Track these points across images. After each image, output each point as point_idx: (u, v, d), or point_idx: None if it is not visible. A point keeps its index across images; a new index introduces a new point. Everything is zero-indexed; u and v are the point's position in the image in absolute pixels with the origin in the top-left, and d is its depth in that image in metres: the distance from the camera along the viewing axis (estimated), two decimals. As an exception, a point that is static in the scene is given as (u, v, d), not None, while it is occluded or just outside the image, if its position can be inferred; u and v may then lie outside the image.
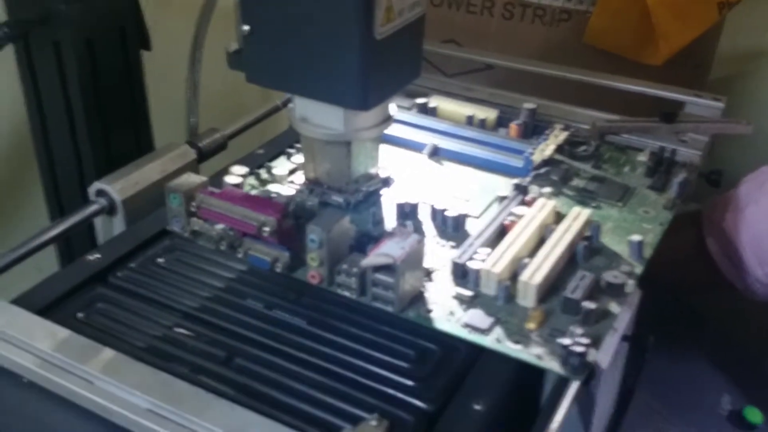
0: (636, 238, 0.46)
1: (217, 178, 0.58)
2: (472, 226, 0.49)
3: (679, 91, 0.66)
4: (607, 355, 0.40)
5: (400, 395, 0.41)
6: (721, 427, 0.57)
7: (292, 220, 0.45)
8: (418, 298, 0.43)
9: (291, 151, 0.58)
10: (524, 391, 0.45)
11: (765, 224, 0.57)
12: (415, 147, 0.58)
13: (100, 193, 0.55)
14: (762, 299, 0.60)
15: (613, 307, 0.42)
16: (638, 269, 0.45)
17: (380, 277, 0.41)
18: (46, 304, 0.48)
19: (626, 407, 0.53)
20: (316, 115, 0.49)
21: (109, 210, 0.56)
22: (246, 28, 0.47)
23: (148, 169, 0.57)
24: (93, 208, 0.55)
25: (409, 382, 0.41)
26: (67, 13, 0.59)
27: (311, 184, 0.52)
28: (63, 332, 0.43)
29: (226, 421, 0.37)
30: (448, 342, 0.42)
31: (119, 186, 0.55)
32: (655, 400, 0.55)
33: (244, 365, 0.43)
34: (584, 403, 0.41)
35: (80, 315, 0.48)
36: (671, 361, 0.59)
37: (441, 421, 0.39)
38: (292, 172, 0.55)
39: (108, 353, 0.42)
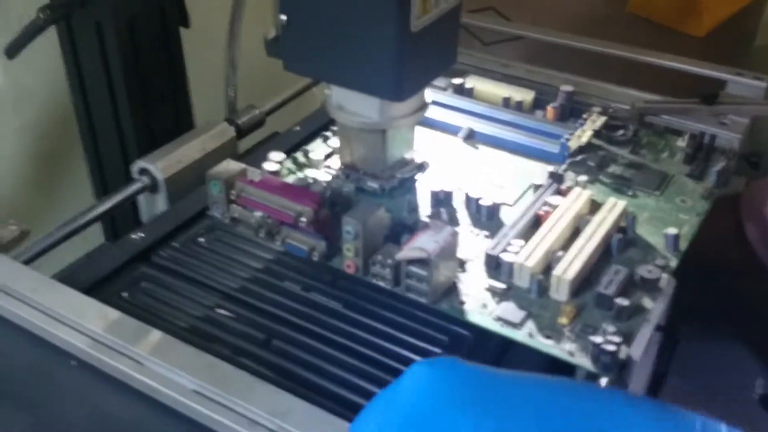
0: (672, 231, 0.46)
1: (254, 156, 0.59)
2: (506, 215, 0.49)
3: (721, 69, 0.64)
4: (639, 347, 0.40)
5: (433, 381, 0.42)
6: (753, 411, 0.57)
7: (328, 209, 0.46)
8: (451, 290, 0.43)
9: (327, 134, 0.58)
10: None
11: None
12: (450, 130, 0.58)
13: (143, 171, 0.57)
14: None
15: (647, 302, 0.42)
16: (673, 262, 0.45)
17: (414, 269, 0.42)
18: (92, 282, 0.50)
19: (657, 392, 0.54)
20: (352, 104, 0.50)
21: (152, 188, 0.57)
22: (283, 17, 0.47)
23: (189, 147, 0.58)
24: (136, 186, 0.56)
25: (442, 369, 0.42)
26: (107, -5, 0.59)
27: (347, 169, 0.53)
28: (112, 312, 0.44)
29: (270, 404, 0.38)
30: (482, 329, 0.43)
31: (161, 165, 0.56)
32: (687, 384, 0.56)
33: (282, 347, 0.45)
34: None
35: (125, 294, 0.49)
36: (704, 345, 0.59)
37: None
38: (328, 156, 0.55)
39: (155, 334, 0.43)
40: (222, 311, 0.48)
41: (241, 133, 0.63)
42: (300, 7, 0.47)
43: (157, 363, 0.41)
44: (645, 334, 0.41)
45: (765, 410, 0.57)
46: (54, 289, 0.46)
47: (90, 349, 0.42)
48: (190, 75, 0.68)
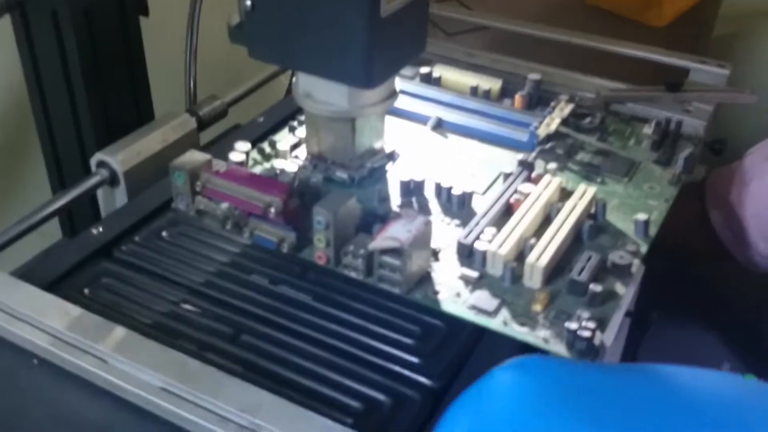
0: (642, 217, 0.46)
1: (216, 148, 0.58)
2: (477, 204, 0.49)
3: (684, 57, 0.65)
4: (611, 333, 0.41)
5: (406, 372, 0.41)
6: None
7: (297, 200, 0.45)
8: (424, 279, 0.43)
9: (294, 124, 0.57)
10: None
11: (767, 197, 0.57)
12: (418, 119, 0.58)
13: (102, 164, 0.55)
14: (763, 271, 0.61)
15: (619, 287, 0.42)
16: (644, 248, 0.45)
17: (387, 259, 0.41)
18: (52, 279, 0.48)
19: None
20: (320, 92, 0.49)
21: (111, 181, 0.55)
22: (248, 2, 0.46)
23: (149, 139, 0.57)
24: (95, 179, 0.55)
25: (415, 359, 0.42)
26: (63, -18, 0.57)
27: (315, 159, 0.52)
28: (73, 309, 0.43)
29: (240, 400, 0.37)
30: (454, 319, 0.42)
31: (121, 157, 0.55)
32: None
33: (251, 342, 0.44)
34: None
35: (86, 290, 0.48)
36: (671, 330, 0.60)
37: (447, 399, 0.39)
38: (295, 146, 0.54)
39: (120, 331, 0.42)
40: (187, 306, 0.47)
41: (203, 124, 0.62)
42: (266, -8, 0.46)
43: (122, 361, 0.40)
44: (616, 321, 0.41)
45: None
46: (13, 286, 0.45)
47: (52, 347, 0.41)
48: (149, 65, 0.67)
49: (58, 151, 0.66)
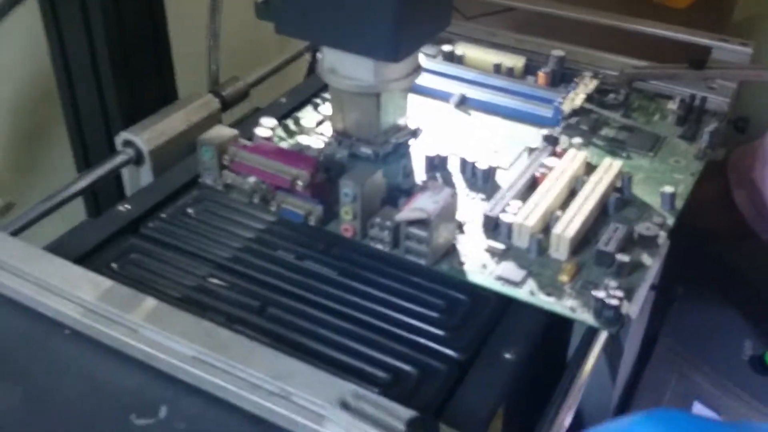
0: (668, 189, 0.46)
1: (241, 127, 0.58)
2: (501, 178, 0.49)
3: (707, 35, 0.65)
4: (636, 305, 0.41)
5: (431, 344, 0.42)
6: (742, 372, 0.58)
7: (324, 174, 0.45)
8: (450, 251, 0.43)
9: (318, 101, 0.58)
10: (553, 341, 0.46)
11: None
12: (442, 96, 0.58)
13: (127, 143, 0.56)
14: None
15: (646, 258, 0.42)
16: (670, 220, 0.45)
17: (414, 231, 0.41)
18: (80, 254, 0.49)
19: (650, 353, 0.54)
20: (346, 67, 0.49)
21: (137, 160, 0.56)
22: (275, -21, 0.47)
23: (173, 118, 0.57)
24: (120, 158, 0.55)
25: (440, 332, 0.42)
26: (90, -35, 0.58)
27: (339, 136, 0.52)
28: (104, 281, 0.43)
29: (271, 367, 0.38)
30: (478, 292, 0.43)
31: (146, 136, 0.55)
32: (679, 345, 0.56)
33: (278, 315, 0.44)
34: (612, 352, 0.42)
35: (114, 265, 0.48)
36: (694, 308, 0.60)
37: (472, 370, 0.40)
38: (319, 123, 0.55)
39: (150, 302, 0.42)
40: (215, 280, 0.47)
41: (226, 105, 0.62)
42: (292, -33, 0.46)
43: (153, 330, 0.40)
44: (642, 291, 0.41)
45: (754, 371, 0.58)
46: (44, 259, 0.45)
47: (83, 318, 0.41)
48: (173, 47, 0.67)
49: (83, 130, 0.66)
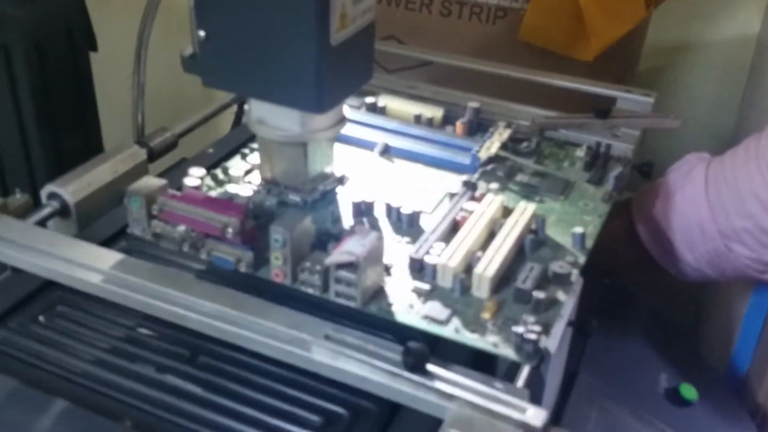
0: (578, 230, 0.49)
1: (168, 177, 0.58)
2: (425, 222, 0.51)
3: (612, 87, 0.69)
4: (555, 340, 0.43)
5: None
6: (659, 404, 0.61)
7: (253, 221, 0.47)
8: (378, 293, 0.44)
9: (246, 151, 0.59)
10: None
11: (692, 212, 0.61)
12: (366, 145, 0.60)
13: (53, 195, 0.55)
14: (692, 281, 0.64)
15: (560, 295, 0.45)
16: (581, 259, 0.48)
17: (343, 273, 0.43)
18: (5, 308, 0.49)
19: (571, 388, 0.56)
20: (273, 117, 0.51)
21: (62, 212, 0.56)
22: (201, 33, 0.48)
23: (99, 170, 0.57)
24: (46, 211, 0.55)
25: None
26: (14, 16, 0.58)
27: (268, 184, 0.53)
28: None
29: (286, 321, 0.41)
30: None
31: (72, 188, 0.54)
32: (598, 379, 0.58)
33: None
34: (534, 387, 0.44)
35: (41, 318, 0.49)
36: (610, 342, 0.63)
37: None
38: (248, 172, 0.56)
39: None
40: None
41: (154, 155, 0.63)
42: (218, 23, 0.48)
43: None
44: (559, 327, 0.44)
45: (671, 403, 0.61)
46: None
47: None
48: (98, 98, 0.68)
49: (7, 183, 0.66)
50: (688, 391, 0.61)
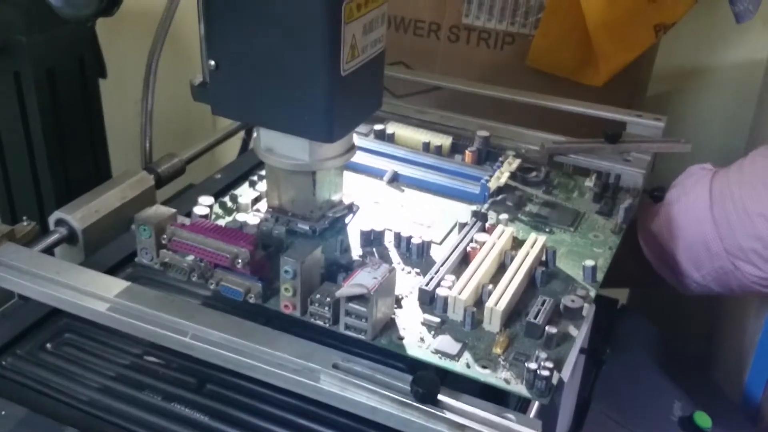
0: (589, 263, 0.49)
1: (175, 203, 0.58)
2: (435, 253, 0.51)
3: (622, 111, 0.68)
4: (568, 369, 0.42)
5: None
6: None
7: (262, 251, 0.46)
8: (389, 325, 0.44)
9: (254, 178, 0.59)
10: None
11: (697, 230, 0.59)
12: (375, 173, 0.60)
13: (60, 222, 0.55)
14: (696, 295, 0.63)
15: (572, 329, 0.44)
16: (592, 292, 0.48)
17: (354, 306, 0.42)
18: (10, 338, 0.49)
19: (584, 417, 0.55)
20: (282, 146, 0.51)
21: (70, 239, 0.56)
22: (212, 62, 0.48)
23: (107, 197, 0.57)
24: (53, 237, 0.55)
25: None
26: (26, 44, 0.58)
27: (276, 212, 0.53)
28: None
29: (294, 350, 0.41)
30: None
31: (79, 215, 0.55)
32: (611, 408, 0.58)
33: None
34: (547, 418, 0.43)
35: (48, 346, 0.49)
36: (624, 371, 0.62)
37: None
38: (256, 200, 0.56)
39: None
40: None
41: (161, 181, 0.63)
42: (229, 53, 0.48)
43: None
44: (571, 359, 0.43)
45: (685, 431, 0.60)
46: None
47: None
48: (106, 124, 0.68)
49: (15, 208, 0.66)
50: (703, 419, 0.60)
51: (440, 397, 0.39)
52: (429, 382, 0.39)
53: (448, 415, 0.38)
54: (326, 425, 0.45)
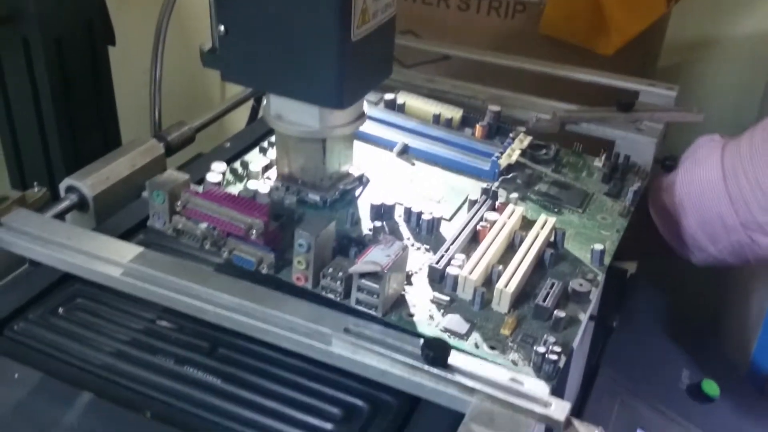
0: (598, 247, 0.49)
1: (185, 171, 0.58)
2: (445, 230, 0.51)
3: (634, 80, 0.68)
4: (577, 335, 0.43)
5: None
6: (681, 400, 0.60)
7: (274, 221, 0.46)
8: (399, 302, 0.44)
9: (264, 145, 0.58)
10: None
11: (712, 205, 0.59)
12: (384, 144, 0.59)
13: (71, 189, 0.55)
14: (709, 265, 0.64)
15: (579, 313, 0.44)
16: (600, 276, 0.47)
17: (366, 282, 0.42)
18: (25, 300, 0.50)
19: (593, 383, 0.56)
20: (291, 113, 0.50)
21: (80, 206, 0.56)
22: (222, 28, 0.47)
23: (117, 164, 0.57)
24: (64, 204, 0.55)
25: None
26: (34, 11, 0.58)
27: (286, 181, 0.53)
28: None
29: (305, 314, 0.42)
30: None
31: (90, 182, 0.55)
32: (620, 374, 0.58)
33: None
34: (557, 381, 0.43)
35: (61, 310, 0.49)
36: (632, 339, 0.62)
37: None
38: (266, 167, 0.55)
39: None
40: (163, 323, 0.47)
41: (171, 149, 0.63)
42: (238, 18, 0.47)
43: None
44: (581, 323, 0.43)
45: (693, 399, 0.60)
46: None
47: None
48: (116, 93, 0.67)
49: (25, 176, 0.66)
50: (711, 387, 0.60)
51: (450, 360, 0.39)
52: (440, 346, 0.39)
53: (459, 378, 0.38)
54: (337, 388, 0.45)
